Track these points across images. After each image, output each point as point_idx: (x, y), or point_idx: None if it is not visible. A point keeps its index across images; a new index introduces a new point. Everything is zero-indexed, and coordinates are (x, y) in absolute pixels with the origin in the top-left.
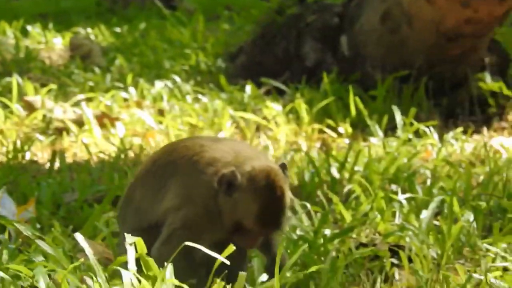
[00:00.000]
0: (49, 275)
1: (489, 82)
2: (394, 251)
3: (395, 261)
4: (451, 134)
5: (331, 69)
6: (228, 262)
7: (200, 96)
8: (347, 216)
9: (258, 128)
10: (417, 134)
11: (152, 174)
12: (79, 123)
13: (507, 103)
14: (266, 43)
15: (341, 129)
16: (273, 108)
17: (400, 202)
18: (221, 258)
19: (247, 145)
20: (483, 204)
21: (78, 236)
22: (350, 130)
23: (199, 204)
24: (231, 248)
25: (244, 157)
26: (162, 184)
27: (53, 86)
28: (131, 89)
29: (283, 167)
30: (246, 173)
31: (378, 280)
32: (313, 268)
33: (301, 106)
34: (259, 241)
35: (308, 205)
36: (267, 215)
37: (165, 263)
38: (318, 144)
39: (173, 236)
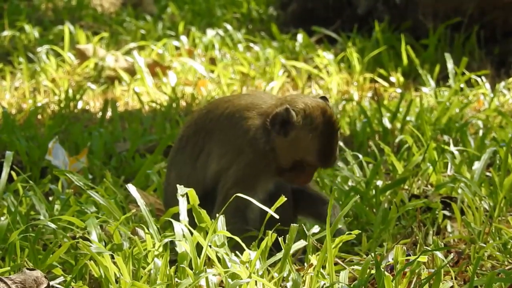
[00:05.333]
0: (101, 226)
1: None
2: (446, 203)
3: (447, 213)
4: (503, 83)
5: (382, 17)
6: (277, 216)
7: (251, 44)
8: (399, 167)
9: (309, 77)
10: (469, 83)
11: (182, 150)
12: (131, 71)
13: None
14: None
15: (392, 79)
16: (325, 57)
17: (452, 153)
18: (272, 213)
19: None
20: None
21: (130, 187)
22: (401, 79)
23: (251, 152)
24: (283, 199)
25: (290, 97)
26: (197, 152)
27: (105, 34)
28: (183, 38)
29: (325, 99)
30: (301, 110)
31: (430, 232)
32: (364, 220)
33: (353, 55)
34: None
35: (360, 156)
36: (328, 149)
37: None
38: (369, 94)
39: (228, 198)
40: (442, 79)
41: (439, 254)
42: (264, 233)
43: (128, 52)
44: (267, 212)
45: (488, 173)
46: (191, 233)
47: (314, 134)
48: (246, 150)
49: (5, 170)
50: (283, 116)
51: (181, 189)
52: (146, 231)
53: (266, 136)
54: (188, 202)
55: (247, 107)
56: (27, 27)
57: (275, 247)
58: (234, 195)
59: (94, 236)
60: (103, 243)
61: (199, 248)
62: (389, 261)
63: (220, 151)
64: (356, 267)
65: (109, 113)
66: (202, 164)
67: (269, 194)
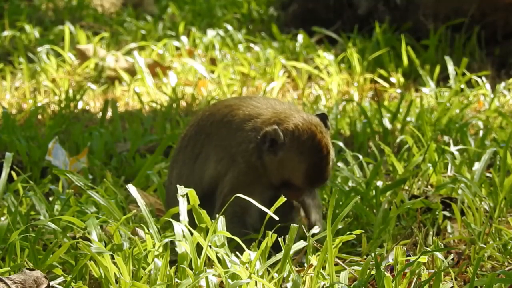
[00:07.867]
0: (101, 226)
1: None
2: (446, 204)
3: (447, 213)
4: (503, 84)
5: (383, 18)
6: (277, 218)
7: (252, 45)
8: (399, 167)
9: (310, 78)
10: (469, 84)
11: (184, 149)
12: (131, 72)
13: None
14: None
15: (393, 79)
16: (325, 57)
17: (452, 154)
18: (272, 214)
19: (276, 100)
20: None
21: (131, 187)
22: (402, 80)
23: (243, 162)
24: (282, 199)
25: (284, 114)
26: (196, 154)
27: (105, 34)
28: (183, 38)
29: (324, 117)
30: (290, 132)
31: (431, 232)
32: (365, 220)
33: (353, 55)
34: (305, 194)
35: (360, 157)
36: (315, 174)
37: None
38: (370, 94)
39: (225, 204)
40: (442, 79)
41: (439, 255)
42: (264, 234)
43: (129, 52)
44: (266, 215)
45: (488, 174)
46: (191, 234)
47: (301, 158)
48: (239, 160)
49: (5, 170)
50: (271, 136)
51: (181, 190)
52: (146, 231)
53: (259, 151)
54: (189, 203)
55: (244, 118)
56: (28, 27)
57: (275, 249)
58: (230, 201)
59: (94, 236)
60: (103, 243)
61: (199, 248)
62: (389, 262)
63: (217, 157)
64: (356, 267)
65: (109, 113)
66: (199, 166)
67: (269, 198)
